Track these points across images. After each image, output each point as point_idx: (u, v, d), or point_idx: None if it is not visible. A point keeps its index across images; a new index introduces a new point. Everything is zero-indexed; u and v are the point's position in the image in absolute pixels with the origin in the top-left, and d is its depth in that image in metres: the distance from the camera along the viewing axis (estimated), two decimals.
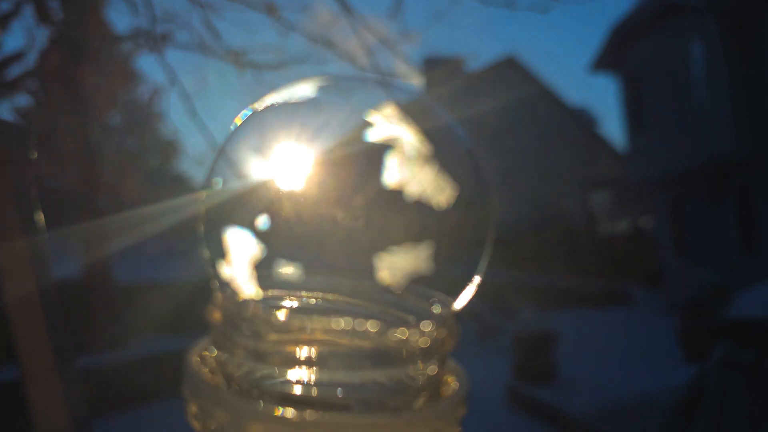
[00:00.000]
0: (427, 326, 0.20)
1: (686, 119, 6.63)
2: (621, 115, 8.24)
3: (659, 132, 7.27)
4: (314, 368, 0.20)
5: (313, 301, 0.23)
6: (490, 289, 5.47)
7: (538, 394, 3.55)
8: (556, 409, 3.29)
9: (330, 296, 0.23)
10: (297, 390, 0.20)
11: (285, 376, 0.20)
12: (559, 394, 3.52)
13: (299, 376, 0.20)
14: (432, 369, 0.21)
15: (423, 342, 0.20)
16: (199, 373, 0.21)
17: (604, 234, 9.57)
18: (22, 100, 2.72)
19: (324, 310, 0.23)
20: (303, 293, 0.23)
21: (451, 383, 0.22)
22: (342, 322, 0.20)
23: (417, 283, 0.22)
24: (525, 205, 9.47)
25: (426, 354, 0.21)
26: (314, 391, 0.20)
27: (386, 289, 0.22)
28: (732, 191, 6.45)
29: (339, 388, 0.20)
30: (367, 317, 0.21)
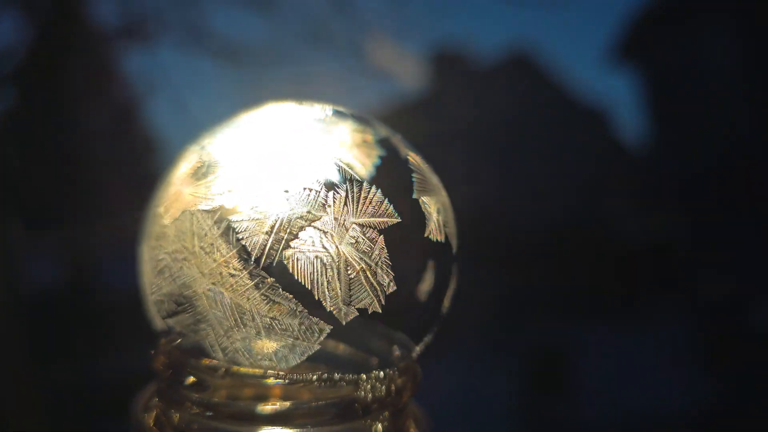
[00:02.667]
0: (385, 377, 0.20)
1: (706, 117, 6.61)
2: (638, 114, 8.24)
3: (678, 130, 7.27)
4: (271, 424, 0.20)
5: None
6: (500, 298, 5.46)
7: (550, 408, 3.51)
8: (569, 424, 3.26)
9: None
10: None
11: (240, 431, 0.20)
12: (572, 407, 3.49)
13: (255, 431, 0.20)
14: (391, 419, 0.21)
15: (380, 393, 0.20)
16: (145, 425, 0.21)
17: (621, 238, 9.48)
18: (5, 99, 2.68)
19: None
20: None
21: (412, 430, 0.22)
22: (302, 376, 0.20)
23: (381, 324, 0.21)
24: (536, 209, 9.43)
25: (384, 405, 0.20)
26: None
27: (351, 333, 0.21)
28: (756, 190, 6.40)
29: None
30: (329, 365, 0.20)
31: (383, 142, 0.23)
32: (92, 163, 2.92)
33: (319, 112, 0.24)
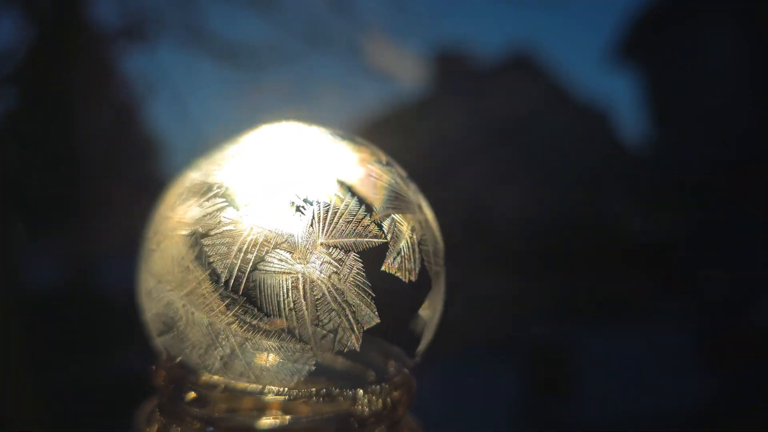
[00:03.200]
0: (382, 391, 0.21)
1: (707, 116, 6.59)
2: (639, 113, 8.20)
3: (678, 130, 7.25)
4: None
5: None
6: (502, 298, 5.45)
7: (551, 408, 3.51)
8: (571, 424, 3.25)
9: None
10: None
11: None
12: (574, 407, 3.48)
13: None
14: (388, 431, 0.21)
15: (377, 407, 0.21)
16: None
17: (622, 238, 9.43)
18: (8, 100, 2.69)
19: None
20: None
21: None
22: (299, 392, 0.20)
23: (379, 338, 0.22)
24: (538, 208, 9.41)
25: (381, 419, 0.21)
26: None
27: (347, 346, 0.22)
28: (757, 189, 6.38)
29: None
30: (327, 379, 0.21)
31: (358, 160, 0.24)
32: (93, 164, 2.92)
33: (295, 132, 0.25)
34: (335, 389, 0.20)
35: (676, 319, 5.71)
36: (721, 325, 3.56)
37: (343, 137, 0.25)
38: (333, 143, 0.25)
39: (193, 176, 0.24)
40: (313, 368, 0.21)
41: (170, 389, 0.21)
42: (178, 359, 0.22)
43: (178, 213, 0.23)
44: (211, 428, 0.20)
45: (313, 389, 0.21)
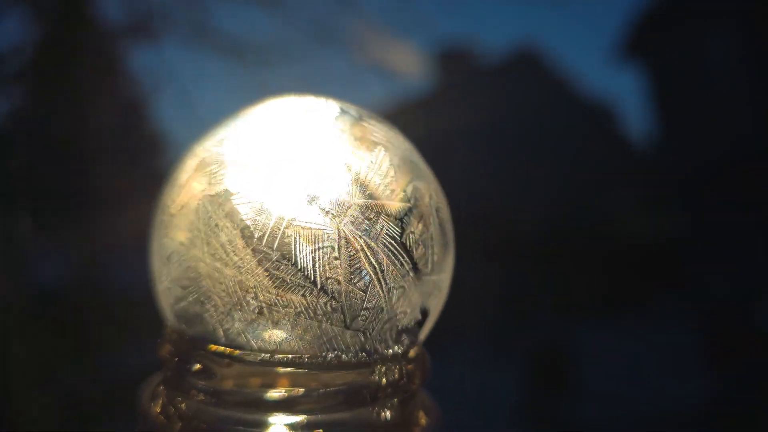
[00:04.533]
0: (397, 362, 0.21)
1: (712, 114, 6.55)
2: (643, 111, 8.20)
3: (683, 128, 7.22)
4: (279, 411, 0.20)
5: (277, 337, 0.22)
6: (503, 295, 5.44)
7: (553, 405, 3.51)
8: (571, 423, 3.25)
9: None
10: None
11: (247, 419, 0.20)
12: (575, 406, 3.48)
13: (263, 419, 0.20)
14: (400, 406, 0.21)
15: (390, 380, 0.21)
16: (151, 414, 0.21)
17: (625, 236, 9.41)
18: (15, 97, 2.70)
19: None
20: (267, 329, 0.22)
21: (422, 419, 0.22)
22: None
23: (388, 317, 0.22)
24: (541, 206, 9.41)
25: (394, 391, 0.21)
26: None
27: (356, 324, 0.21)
28: (761, 188, 6.35)
29: None
30: (336, 354, 0.21)
31: (382, 133, 0.25)
32: (100, 160, 2.93)
33: (321, 105, 0.26)
34: (351, 359, 0.20)
35: (679, 318, 5.71)
36: (723, 325, 3.54)
37: (358, 110, 0.26)
38: (355, 113, 0.25)
39: (207, 146, 0.24)
40: (340, 332, 0.21)
41: (175, 362, 0.21)
42: (186, 329, 0.21)
43: (200, 177, 0.23)
44: (216, 401, 0.20)
45: (328, 357, 0.20)
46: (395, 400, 0.21)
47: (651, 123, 8.17)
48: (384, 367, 0.20)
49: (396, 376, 0.21)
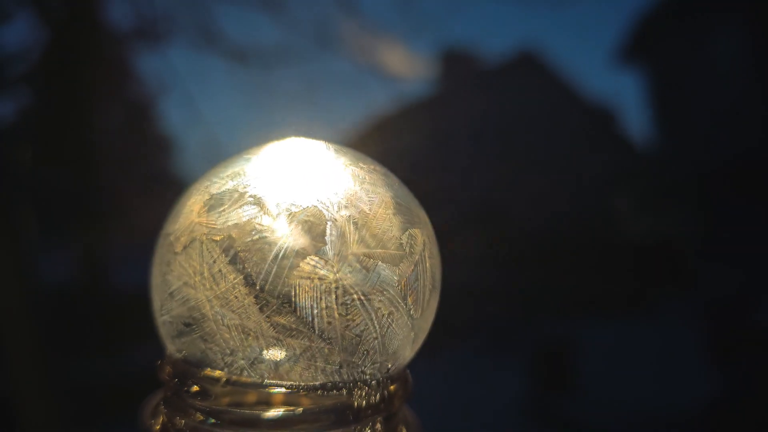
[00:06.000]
0: (378, 384, 0.22)
1: (714, 114, 6.52)
2: (645, 111, 8.16)
3: (685, 129, 7.19)
4: (271, 430, 0.22)
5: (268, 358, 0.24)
6: (505, 293, 5.42)
7: (555, 405, 3.50)
8: (575, 421, 3.24)
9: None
10: None
11: None
12: (579, 404, 3.46)
13: None
14: (384, 424, 0.23)
15: (375, 400, 0.22)
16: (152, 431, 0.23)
17: (628, 235, 9.33)
18: (22, 99, 2.71)
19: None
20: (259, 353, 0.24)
21: None
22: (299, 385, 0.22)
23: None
24: (544, 206, 9.36)
25: (378, 411, 0.22)
26: None
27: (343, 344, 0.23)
28: (765, 187, 6.31)
29: None
30: (324, 374, 0.22)
31: (377, 178, 0.26)
32: (106, 162, 2.95)
33: (322, 147, 0.27)
34: (336, 383, 0.22)
35: (682, 317, 5.67)
36: (727, 323, 3.53)
37: (361, 156, 0.27)
38: (354, 161, 0.26)
39: (217, 184, 0.25)
40: (338, 369, 0.22)
41: (174, 383, 0.22)
42: (186, 353, 0.22)
43: (208, 219, 0.24)
44: (214, 420, 0.21)
45: (315, 383, 0.22)
46: (378, 419, 0.22)
47: (653, 124, 8.13)
48: (366, 391, 0.22)
49: (377, 398, 0.22)
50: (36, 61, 2.40)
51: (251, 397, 0.22)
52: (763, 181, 6.42)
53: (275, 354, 0.22)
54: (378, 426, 0.22)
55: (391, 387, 0.23)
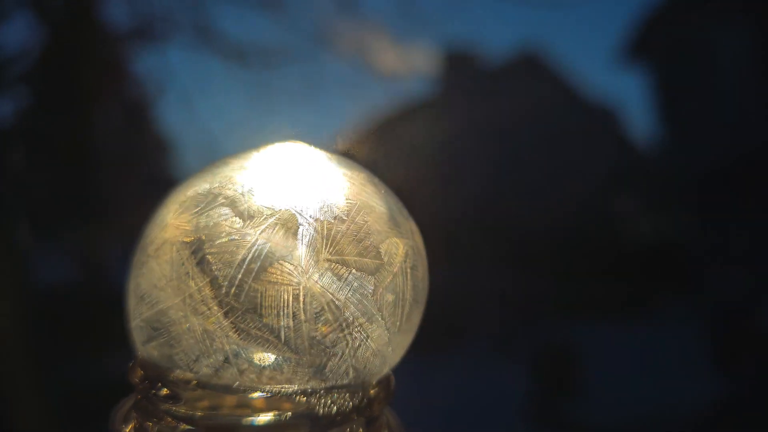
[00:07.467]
0: (356, 389, 0.22)
1: (717, 116, 6.51)
2: (648, 113, 8.16)
3: (688, 129, 7.17)
4: None
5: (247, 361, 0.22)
6: (508, 296, 5.41)
7: (559, 408, 3.48)
8: (578, 424, 3.23)
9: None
10: None
11: None
12: (582, 407, 3.45)
13: None
14: (366, 428, 0.22)
15: (357, 403, 0.22)
16: None
17: (631, 236, 9.31)
18: (19, 100, 2.71)
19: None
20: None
21: None
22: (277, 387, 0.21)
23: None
24: (546, 207, 9.37)
25: (360, 414, 0.22)
26: None
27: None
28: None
29: None
30: (292, 382, 0.22)
31: (360, 185, 0.25)
32: (102, 163, 2.95)
33: (306, 152, 0.27)
34: (308, 390, 0.21)
35: (687, 320, 5.65)
36: (731, 326, 3.53)
37: (344, 162, 0.26)
38: (336, 166, 0.26)
39: (194, 187, 0.25)
40: (305, 380, 0.21)
41: (145, 386, 0.21)
42: (158, 356, 0.22)
43: (180, 221, 0.23)
44: (187, 424, 0.21)
45: (290, 387, 0.21)
46: (360, 423, 0.22)
47: (657, 125, 8.12)
48: (342, 396, 0.21)
49: (357, 402, 0.21)
50: (33, 61, 2.40)
51: (225, 402, 0.22)
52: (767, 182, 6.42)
53: (262, 358, 0.21)
54: (360, 430, 0.22)
55: (371, 391, 0.23)
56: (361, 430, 0.22)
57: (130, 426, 0.22)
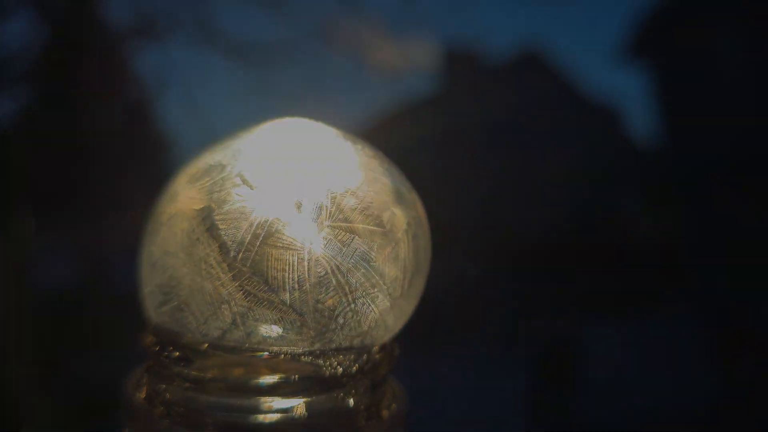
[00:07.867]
0: (361, 352, 0.23)
1: (718, 114, 6.50)
2: (649, 111, 8.15)
3: (689, 128, 7.16)
4: (259, 396, 0.22)
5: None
6: (510, 292, 5.42)
7: (559, 404, 3.49)
8: (579, 422, 3.24)
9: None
10: (244, 419, 0.21)
11: (230, 404, 0.22)
12: (582, 403, 3.46)
13: (243, 404, 0.22)
14: (370, 392, 0.23)
15: (361, 365, 0.23)
16: (136, 402, 0.23)
17: (631, 235, 9.31)
18: (20, 99, 2.72)
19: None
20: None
21: (392, 404, 0.24)
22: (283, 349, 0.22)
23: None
24: (547, 205, 9.35)
25: (365, 377, 0.23)
26: (261, 419, 0.21)
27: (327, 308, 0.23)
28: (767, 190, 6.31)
29: (284, 415, 0.22)
30: (298, 344, 0.23)
31: (364, 156, 0.26)
32: (104, 161, 2.95)
33: (313, 126, 0.28)
34: (315, 350, 0.22)
35: (686, 317, 5.65)
36: (731, 323, 3.53)
37: (349, 137, 0.28)
38: (341, 139, 0.27)
39: (205, 159, 0.26)
40: (310, 342, 0.22)
41: (156, 350, 0.22)
42: (169, 322, 0.23)
43: (191, 191, 0.25)
44: (198, 387, 0.21)
45: (296, 350, 0.22)
46: (363, 386, 0.23)
47: (657, 123, 8.11)
48: (347, 358, 0.22)
49: (359, 366, 0.22)
50: (34, 59, 2.40)
51: (237, 364, 0.22)
52: (767, 181, 6.42)
53: (269, 330, 0.22)
54: (363, 392, 0.23)
55: (376, 355, 0.23)
56: (363, 391, 0.22)
57: (143, 391, 0.23)
